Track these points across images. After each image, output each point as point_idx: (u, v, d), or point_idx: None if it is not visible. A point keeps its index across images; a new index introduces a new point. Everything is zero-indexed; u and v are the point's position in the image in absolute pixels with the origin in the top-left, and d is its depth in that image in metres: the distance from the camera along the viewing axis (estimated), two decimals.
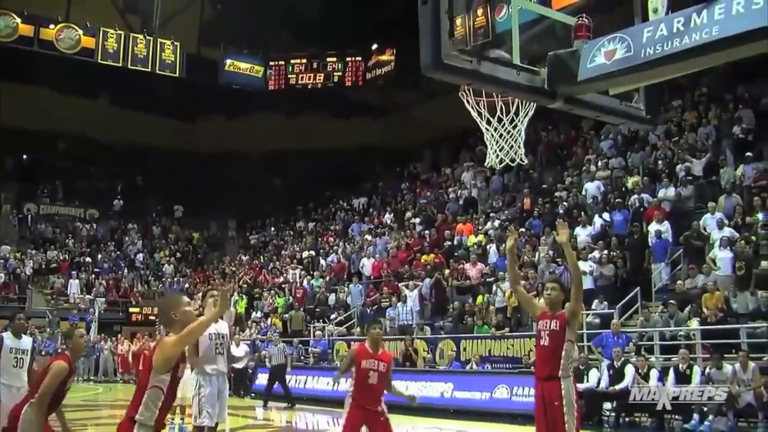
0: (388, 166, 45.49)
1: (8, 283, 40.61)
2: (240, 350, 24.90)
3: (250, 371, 28.53)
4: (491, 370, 21.71)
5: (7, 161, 48.89)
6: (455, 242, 29.18)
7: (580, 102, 8.12)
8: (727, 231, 20.15)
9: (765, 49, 6.63)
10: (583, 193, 26.65)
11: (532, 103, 8.61)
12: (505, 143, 8.87)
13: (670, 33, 6.78)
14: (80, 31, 39.47)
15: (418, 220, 34.10)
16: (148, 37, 40.57)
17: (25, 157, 50.34)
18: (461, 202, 32.92)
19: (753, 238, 19.82)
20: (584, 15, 7.77)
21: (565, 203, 26.95)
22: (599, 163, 27.92)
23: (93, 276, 42.37)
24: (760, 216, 20.31)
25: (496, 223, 28.40)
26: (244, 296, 36.26)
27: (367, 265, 31.89)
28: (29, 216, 47.37)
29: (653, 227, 22.20)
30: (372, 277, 31.32)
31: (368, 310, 28.76)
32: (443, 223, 31.83)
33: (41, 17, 39.26)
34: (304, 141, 46.55)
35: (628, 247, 22.55)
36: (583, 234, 24.21)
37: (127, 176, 50.39)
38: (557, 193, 28.18)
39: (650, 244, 22.18)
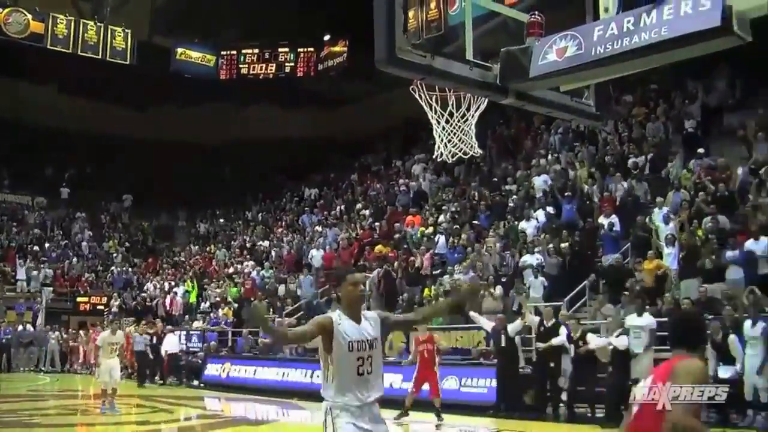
0: (339, 157, 45.45)
1: None
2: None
3: (200, 361, 28.54)
4: (440, 362, 21.81)
5: None
6: (404, 234, 29.23)
7: (532, 98, 8.22)
8: (673, 226, 20.41)
9: (711, 50, 6.78)
10: (533, 186, 26.85)
11: (483, 98, 8.71)
12: (456, 137, 8.96)
13: (620, 32, 6.89)
14: (29, 16, 38.92)
15: (368, 211, 34.17)
16: (98, 24, 40.12)
17: None
18: (411, 195, 33.03)
19: (699, 233, 20.11)
20: (536, 12, 7.86)
21: (514, 196, 27.14)
22: (549, 157, 28.18)
23: (41, 265, 41.88)
24: (706, 211, 20.61)
25: (447, 215, 28.58)
26: (194, 286, 36.07)
27: (317, 256, 31.84)
28: None
29: (603, 220, 22.45)
30: (323, 269, 31.27)
31: (315, 302, 28.80)
32: (393, 214, 31.91)
33: None
34: (255, 131, 46.43)
35: (577, 240, 22.76)
36: (530, 227, 24.40)
37: (77, 164, 49.79)
38: (507, 186, 28.37)
39: (600, 237, 22.45)
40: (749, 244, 18.39)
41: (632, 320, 16.64)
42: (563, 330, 17.63)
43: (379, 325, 6.54)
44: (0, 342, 34.94)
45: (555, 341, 17.38)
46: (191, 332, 31.46)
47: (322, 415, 6.29)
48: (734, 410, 15.20)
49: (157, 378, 29.03)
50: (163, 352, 28.72)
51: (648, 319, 16.67)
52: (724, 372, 15.25)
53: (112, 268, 43.44)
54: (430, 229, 28.33)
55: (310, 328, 6.32)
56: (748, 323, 15.39)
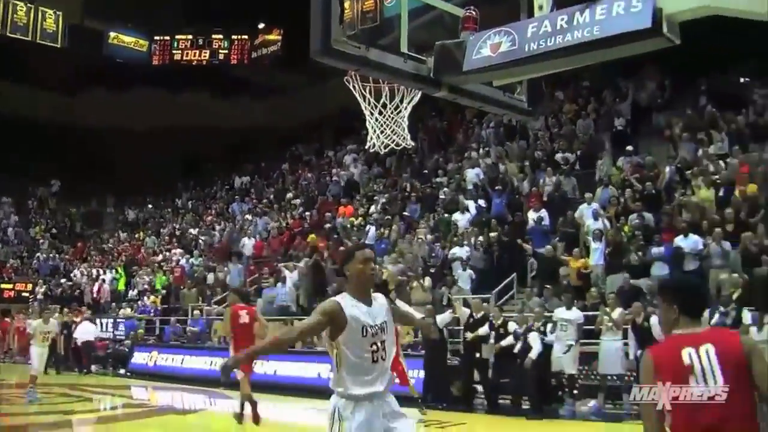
0: (271, 146, 45.27)
1: None
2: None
3: (127, 350, 28.32)
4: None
5: None
6: (335, 224, 29.25)
7: (465, 92, 8.28)
8: (601, 222, 20.71)
9: (641, 51, 6.90)
10: (464, 179, 27.03)
11: (417, 91, 8.76)
12: (388, 128, 9.01)
13: (553, 29, 6.97)
14: None
15: (299, 201, 34.13)
16: (29, 5, 39.46)
17: None
18: (343, 185, 33.06)
19: (625, 230, 20.45)
20: (472, 7, 7.92)
21: (446, 189, 27.30)
22: (480, 151, 28.41)
23: None
24: (633, 208, 20.97)
25: (377, 206, 28.67)
26: (122, 274, 35.74)
27: (248, 244, 31.71)
28: None
29: (531, 215, 22.69)
30: (253, 257, 31.17)
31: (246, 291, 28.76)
32: (324, 204, 31.90)
33: None
34: (187, 118, 46.04)
35: (506, 234, 22.96)
36: (461, 220, 24.56)
37: (3, 149, 48.90)
38: (438, 179, 28.53)
39: (528, 232, 22.68)
40: (678, 240, 18.74)
41: (560, 313, 16.85)
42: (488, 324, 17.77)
43: (388, 309, 6.02)
44: None
45: (481, 331, 17.49)
46: (118, 320, 31.13)
47: (330, 412, 5.77)
48: None
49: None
50: (76, 340, 28.36)
51: (576, 313, 16.94)
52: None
53: (38, 254, 42.85)
54: (360, 220, 28.41)
55: (317, 318, 5.72)
56: None
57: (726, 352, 4.34)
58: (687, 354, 4.37)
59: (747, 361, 4.31)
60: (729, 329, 5.30)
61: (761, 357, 4.38)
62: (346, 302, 5.76)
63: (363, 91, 8.83)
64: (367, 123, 9.12)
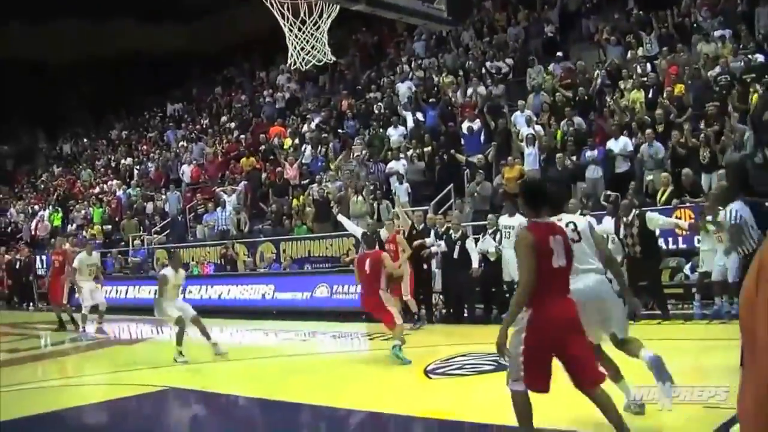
0: (201, 71, 44.72)
1: None
2: None
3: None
4: (311, 271, 22.05)
5: None
6: (270, 146, 29.09)
7: (383, 4, 8.25)
8: (535, 128, 20.86)
9: None
10: (397, 93, 27.00)
11: (335, 5, 8.71)
12: (309, 44, 8.96)
13: None
14: None
15: (233, 124, 33.84)
16: None
17: None
18: (277, 106, 32.84)
19: (558, 135, 20.68)
20: None
21: (380, 104, 27.24)
22: (413, 64, 28.36)
23: None
24: (565, 113, 21.14)
25: (312, 125, 28.55)
26: (59, 209, 35.38)
27: (186, 171, 31.39)
28: None
29: (465, 125, 22.74)
30: (190, 184, 30.94)
31: (181, 218, 28.77)
32: (258, 126, 31.69)
33: None
34: (113, 47, 45.24)
35: (441, 145, 23.03)
36: (395, 134, 24.58)
37: None
38: (371, 94, 28.47)
39: (462, 142, 22.75)
40: (610, 143, 19.00)
41: (504, 221, 16.88)
42: (432, 233, 17.84)
43: None
44: None
45: (427, 241, 17.57)
46: None
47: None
48: None
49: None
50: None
51: (518, 219, 16.93)
52: None
53: None
54: (296, 140, 28.33)
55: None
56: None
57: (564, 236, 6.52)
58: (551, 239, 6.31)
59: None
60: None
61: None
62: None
63: (281, 9, 8.75)
64: (287, 40, 9.05)
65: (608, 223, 15.22)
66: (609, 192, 17.76)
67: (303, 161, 26.53)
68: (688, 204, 16.53)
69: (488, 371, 10.60)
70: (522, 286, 6.30)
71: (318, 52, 8.97)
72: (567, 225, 7.18)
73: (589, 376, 6.31)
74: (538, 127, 20.97)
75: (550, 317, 6.19)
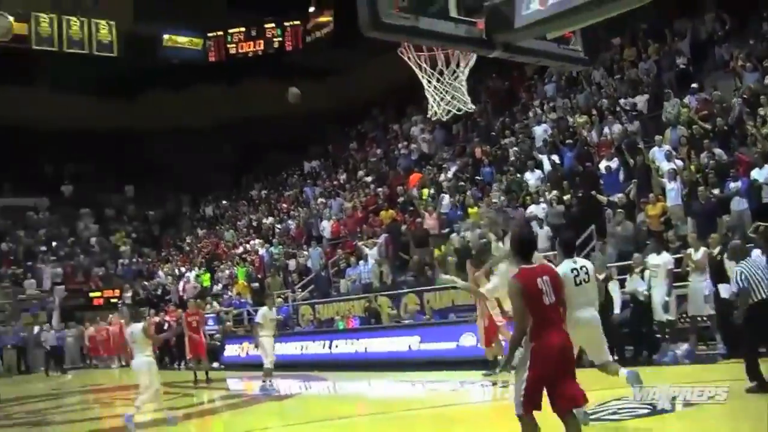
0: (335, 128, 45.32)
1: None
2: None
3: (218, 343, 28.64)
4: (456, 320, 21.93)
5: None
6: (408, 197, 29.21)
7: (519, 49, 8.25)
8: (676, 162, 20.43)
9: None
10: (531, 137, 26.87)
11: (472, 54, 8.74)
12: (448, 94, 9.01)
13: None
14: (11, 18, 38.83)
15: (370, 178, 34.14)
16: (81, 19, 40.06)
17: None
18: (412, 157, 33.04)
19: (697, 168, 20.22)
20: None
21: (515, 148, 27.11)
22: (545, 106, 28.22)
23: (50, 265, 42.07)
24: (704, 145, 20.67)
25: (449, 174, 28.58)
26: (205, 270, 36.22)
27: (326, 227, 31.82)
28: None
29: (603, 164, 22.43)
30: (331, 239, 31.29)
31: (324, 273, 29.08)
32: (395, 179, 31.90)
33: None
34: (248, 109, 46.35)
35: (579, 186, 22.73)
36: (532, 178, 24.42)
37: (74, 161, 49.55)
38: (506, 140, 28.35)
39: (601, 182, 22.42)
40: (754, 173, 18.48)
41: (652, 259, 16.56)
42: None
43: None
44: (17, 345, 35.46)
45: None
46: (207, 315, 31.50)
47: None
48: None
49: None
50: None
51: (665, 257, 16.59)
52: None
53: (121, 260, 43.59)
54: (433, 190, 28.37)
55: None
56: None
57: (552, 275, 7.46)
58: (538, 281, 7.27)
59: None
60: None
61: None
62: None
63: (418, 61, 8.83)
64: (426, 92, 9.13)
65: (757, 256, 14.54)
66: (759, 223, 17.16)
67: (441, 210, 26.53)
68: None
69: (644, 415, 10.37)
70: (515, 328, 7.48)
71: (457, 101, 9.01)
72: (582, 268, 9.38)
73: (568, 398, 7.30)
74: (678, 162, 20.50)
75: (550, 346, 7.20)
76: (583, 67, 11.35)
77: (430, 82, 8.93)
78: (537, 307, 7.22)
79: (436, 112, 9.28)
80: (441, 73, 8.90)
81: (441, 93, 9.02)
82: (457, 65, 8.89)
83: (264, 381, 19.11)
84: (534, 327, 7.21)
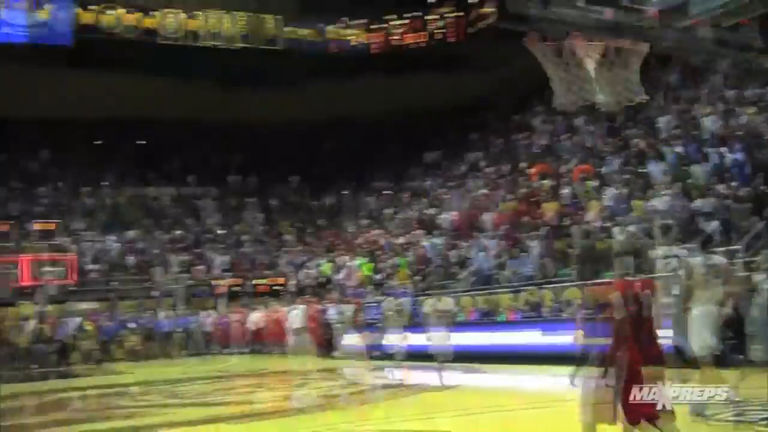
0: (498, 118, 44.90)
1: (139, 263, 42.08)
2: None
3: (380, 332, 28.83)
4: None
5: (124, 148, 49.58)
6: (573, 188, 28.89)
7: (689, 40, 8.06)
8: None
9: None
10: (701, 129, 26.18)
11: (642, 44, 8.59)
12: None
13: None
14: (183, 15, 40.19)
15: (533, 170, 33.73)
16: (249, 14, 41.27)
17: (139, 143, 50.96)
18: (577, 150, 32.60)
19: None
20: None
21: (680, 139, 26.45)
22: (714, 98, 27.49)
23: (218, 252, 43.34)
24: None
25: (613, 166, 28.11)
26: (368, 260, 36.63)
27: (488, 219, 31.76)
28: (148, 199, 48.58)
29: None
30: (494, 231, 31.09)
31: (487, 265, 28.97)
32: (556, 170, 31.56)
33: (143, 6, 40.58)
34: (411, 101, 46.47)
35: (751, 179, 21.95)
36: (700, 171, 23.80)
37: (241, 153, 50.70)
38: (672, 132, 27.63)
39: None
40: None
41: None
42: None
43: None
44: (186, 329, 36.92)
45: None
46: (369, 305, 31.79)
47: None
48: None
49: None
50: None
51: None
52: None
53: (285, 249, 44.49)
54: (596, 182, 27.96)
55: None
56: None
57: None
58: None
59: None
60: None
61: None
62: None
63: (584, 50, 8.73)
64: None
65: None
66: None
67: (605, 203, 26.11)
68: None
69: None
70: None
71: (628, 92, 8.87)
72: None
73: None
74: None
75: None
76: (759, 55, 10.94)
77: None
78: None
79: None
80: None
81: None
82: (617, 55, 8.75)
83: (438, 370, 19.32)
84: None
